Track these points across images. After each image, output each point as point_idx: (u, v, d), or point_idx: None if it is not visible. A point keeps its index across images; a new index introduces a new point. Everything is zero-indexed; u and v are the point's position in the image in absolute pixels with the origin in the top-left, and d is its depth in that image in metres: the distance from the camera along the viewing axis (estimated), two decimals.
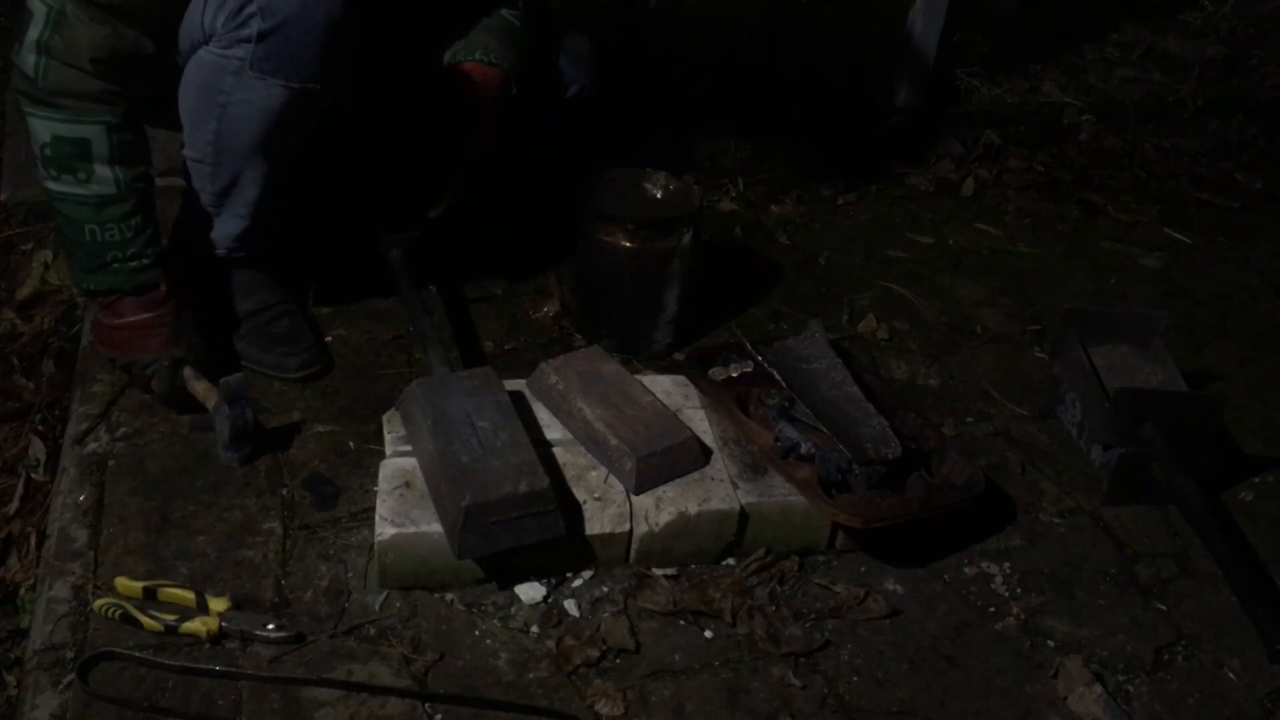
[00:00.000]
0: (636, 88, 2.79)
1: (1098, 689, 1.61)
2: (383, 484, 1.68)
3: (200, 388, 1.83)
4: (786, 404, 1.84)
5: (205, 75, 1.77)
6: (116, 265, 1.80)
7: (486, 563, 1.66)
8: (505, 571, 1.68)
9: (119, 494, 1.75)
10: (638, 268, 2.08)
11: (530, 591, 1.67)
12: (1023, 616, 1.74)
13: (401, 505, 1.64)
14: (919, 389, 2.18)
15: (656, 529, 1.70)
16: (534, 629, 1.63)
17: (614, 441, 1.72)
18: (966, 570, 1.81)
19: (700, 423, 1.85)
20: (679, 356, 2.15)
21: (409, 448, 1.73)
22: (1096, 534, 1.91)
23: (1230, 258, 2.76)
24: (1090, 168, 3.07)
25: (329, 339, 2.10)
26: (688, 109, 2.87)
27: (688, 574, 1.74)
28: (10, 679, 1.62)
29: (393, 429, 1.78)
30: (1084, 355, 2.03)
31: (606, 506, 1.69)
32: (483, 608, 1.65)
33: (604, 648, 1.60)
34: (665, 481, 1.73)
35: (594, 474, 1.73)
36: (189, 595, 1.58)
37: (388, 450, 1.75)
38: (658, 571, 1.73)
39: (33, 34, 1.66)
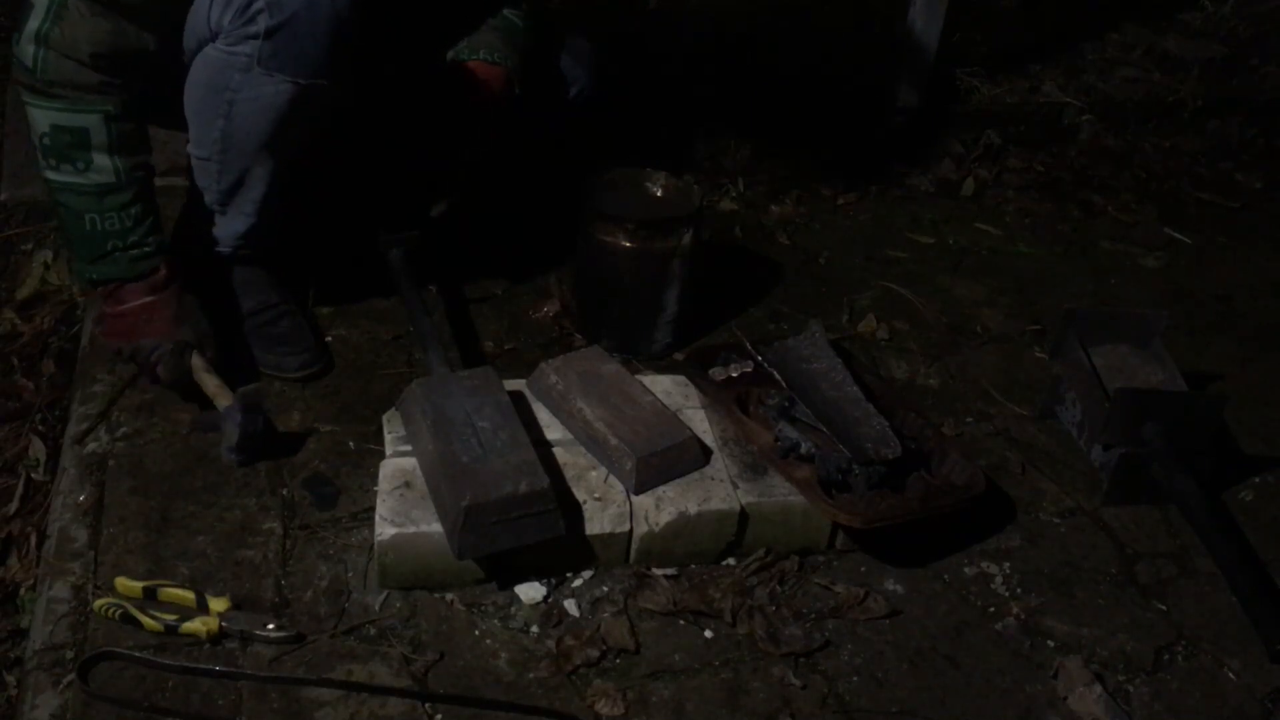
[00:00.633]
0: (636, 88, 2.79)
1: (1098, 689, 1.61)
2: (383, 484, 1.68)
3: (211, 383, 1.83)
4: (786, 404, 1.84)
5: (212, 72, 1.77)
6: (117, 254, 1.80)
7: (486, 563, 1.66)
8: (505, 571, 1.68)
9: (119, 494, 1.75)
10: (638, 268, 2.08)
11: (530, 591, 1.67)
12: (1023, 616, 1.74)
13: (401, 505, 1.64)
14: (919, 389, 2.18)
15: (656, 529, 1.70)
16: (534, 629, 1.63)
17: (614, 441, 1.72)
18: (966, 570, 1.81)
19: (700, 423, 1.85)
20: (679, 356, 2.15)
21: (409, 448, 1.73)
22: (1096, 534, 1.91)
23: (1230, 258, 2.76)
24: (1090, 168, 3.07)
25: (329, 339, 2.10)
26: (688, 109, 2.87)
27: (688, 574, 1.74)
28: (10, 679, 1.62)
29: (393, 429, 1.78)
30: (1084, 355, 2.03)
31: (606, 506, 1.69)
32: (483, 608, 1.65)
33: (604, 648, 1.60)
34: (665, 481, 1.73)
35: (594, 474, 1.73)
36: (189, 595, 1.58)
37: (388, 450, 1.75)
38: (658, 571, 1.73)
39: (32, 24, 1.66)
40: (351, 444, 1.88)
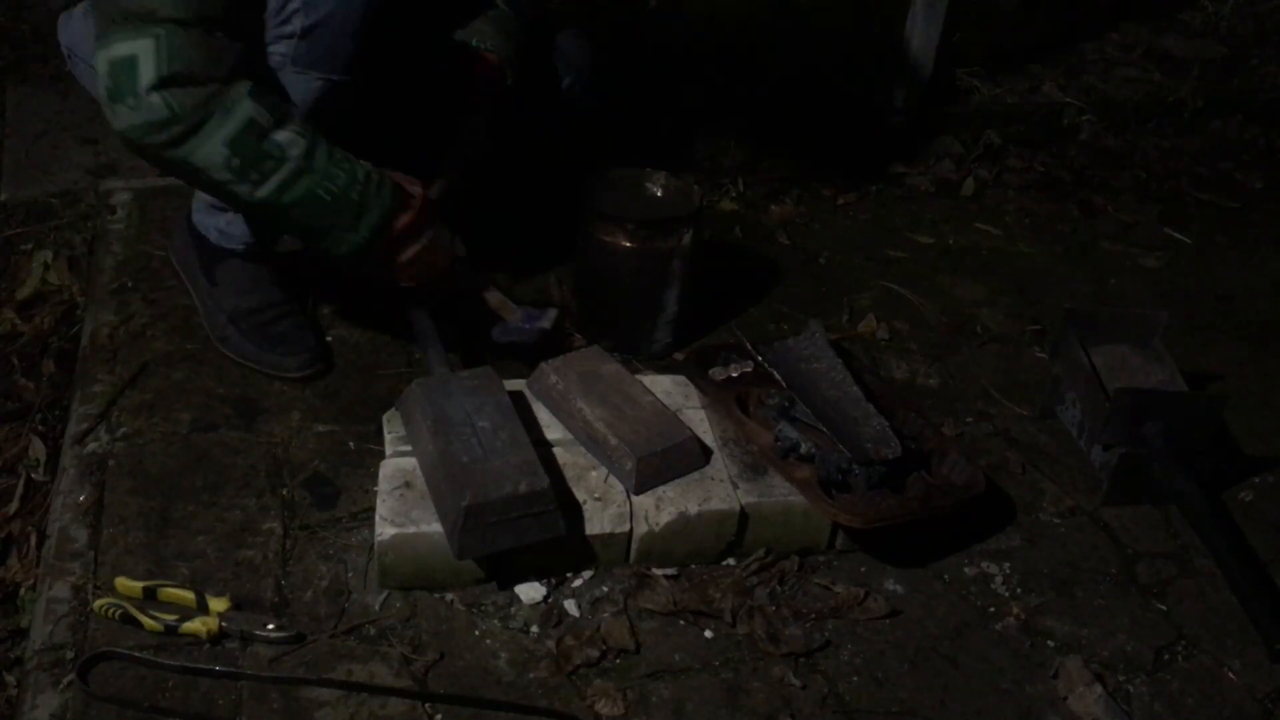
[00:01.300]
0: (636, 88, 2.79)
1: (1098, 689, 1.61)
2: (383, 484, 1.68)
3: (494, 298, 1.97)
4: (786, 404, 1.84)
5: None
6: (368, 195, 1.71)
7: (486, 563, 1.66)
8: (505, 571, 1.68)
9: (119, 494, 1.75)
10: (638, 268, 2.08)
11: (530, 591, 1.67)
12: (1023, 616, 1.74)
13: (401, 505, 1.64)
14: (919, 389, 2.18)
15: (656, 529, 1.70)
16: (534, 629, 1.63)
17: (614, 441, 1.72)
18: (966, 570, 1.81)
19: (700, 423, 1.85)
20: (679, 356, 2.15)
21: (409, 448, 1.73)
22: (1096, 534, 1.91)
23: (1230, 258, 2.76)
24: (1090, 168, 3.06)
25: (329, 339, 2.10)
26: (688, 109, 2.87)
27: (688, 574, 1.74)
28: (10, 679, 1.62)
29: (393, 429, 1.78)
30: (1084, 355, 2.03)
31: (606, 506, 1.69)
32: (483, 608, 1.65)
33: (604, 648, 1.60)
34: (665, 481, 1.73)
35: (594, 474, 1.73)
36: (189, 595, 1.58)
37: (388, 450, 1.75)
38: (658, 571, 1.73)
39: (145, 79, 1.57)
40: (351, 444, 1.88)
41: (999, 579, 1.80)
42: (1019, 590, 1.79)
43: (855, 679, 1.62)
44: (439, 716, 1.50)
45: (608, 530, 1.69)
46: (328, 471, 1.83)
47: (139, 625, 1.54)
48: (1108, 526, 1.92)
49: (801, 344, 2.00)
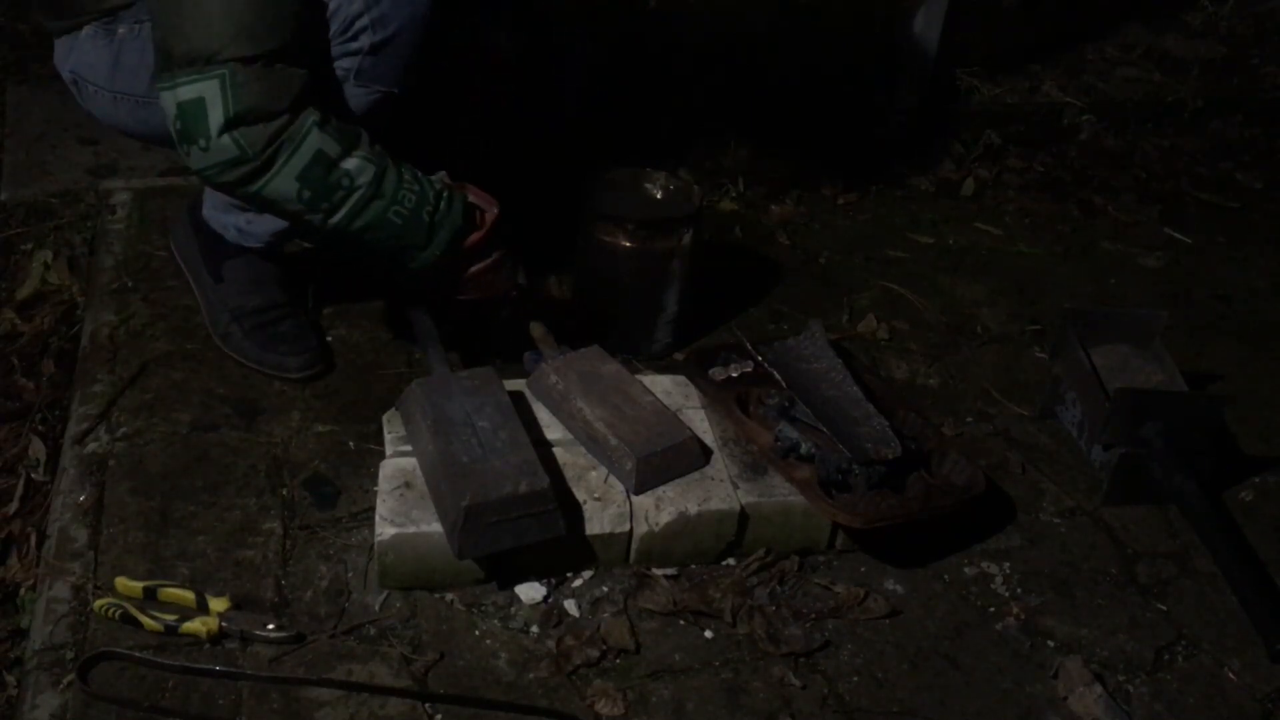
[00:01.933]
0: (636, 88, 2.79)
1: (1098, 689, 1.61)
2: (383, 484, 1.68)
3: (537, 330, 1.93)
4: (786, 404, 1.84)
5: None
6: (439, 214, 1.72)
7: (486, 563, 1.66)
8: (505, 571, 1.68)
9: (119, 494, 1.75)
10: (638, 268, 2.08)
11: (530, 591, 1.67)
12: (1023, 616, 1.74)
13: (401, 505, 1.64)
14: (919, 389, 2.18)
15: (656, 529, 1.70)
16: (534, 629, 1.63)
17: (614, 441, 1.72)
18: (966, 570, 1.81)
19: (700, 423, 1.85)
20: (679, 356, 2.15)
21: (409, 448, 1.73)
22: (1096, 534, 1.91)
23: (1230, 258, 2.76)
24: (1090, 168, 3.06)
25: (329, 339, 2.10)
26: (688, 109, 2.87)
27: (688, 574, 1.74)
28: (10, 679, 1.62)
29: (393, 429, 1.78)
30: (1084, 355, 2.03)
31: (606, 506, 1.69)
32: (483, 608, 1.65)
33: (604, 648, 1.60)
34: (665, 481, 1.73)
35: (594, 474, 1.73)
36: (189, 595, 1.58)
37: (388, 450, 1.75)
38: (658, 571, 1.73)
39: (214, 122, 1.57)
40: (351, 444, 1.88)
41: (999, 579, 1.80)
42: (1019, 590, 1.79)
43: (855, 679, 1.62)
44: (439, 716, 1.50)
45: (608, 530, 1.69)
46: (328, 471, 1.83)
47: (139, 625, 1.54)
48: (1108, 526, 1.92)
49: (801, 344, 2.00)
